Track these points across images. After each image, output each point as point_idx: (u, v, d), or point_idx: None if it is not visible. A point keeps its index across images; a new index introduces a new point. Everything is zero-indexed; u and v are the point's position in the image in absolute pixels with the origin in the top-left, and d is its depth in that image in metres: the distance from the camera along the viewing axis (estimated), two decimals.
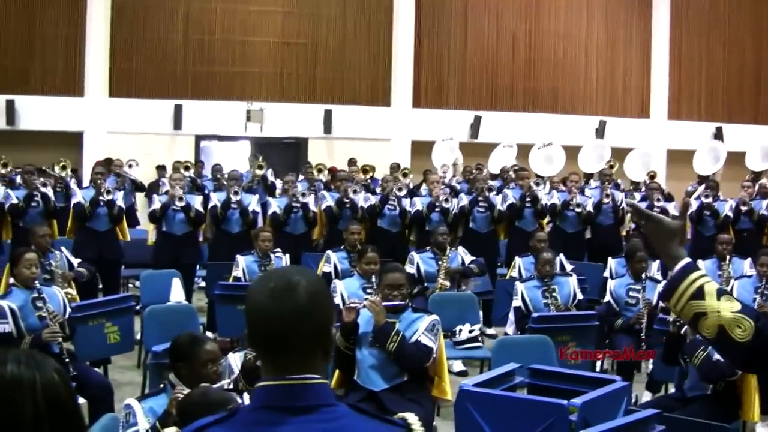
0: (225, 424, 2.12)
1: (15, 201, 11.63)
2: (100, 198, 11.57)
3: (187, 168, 14.86)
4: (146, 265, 12.03)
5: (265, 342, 2.18)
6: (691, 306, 2.66)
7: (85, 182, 14.86)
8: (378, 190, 13.67)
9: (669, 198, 14.56)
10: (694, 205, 13.36)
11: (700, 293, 2.66)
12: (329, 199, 12.59)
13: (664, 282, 8.66)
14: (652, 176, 15.40)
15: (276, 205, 12.43)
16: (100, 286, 11.68)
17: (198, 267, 12.62)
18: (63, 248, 10.00)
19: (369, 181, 14.87)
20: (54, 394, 1.86)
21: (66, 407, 1.89)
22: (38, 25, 18.62)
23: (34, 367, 1.87)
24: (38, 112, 18.36)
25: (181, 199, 11.58)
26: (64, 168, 13.14)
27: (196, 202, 11.98)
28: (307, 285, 2.17)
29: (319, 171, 15.45)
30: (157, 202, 11.79)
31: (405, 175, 13.59)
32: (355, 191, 12.56)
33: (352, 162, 16.75)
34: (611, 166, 15.49)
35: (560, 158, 16.32)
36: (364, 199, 12.56)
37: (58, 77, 18.80)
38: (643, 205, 12.52)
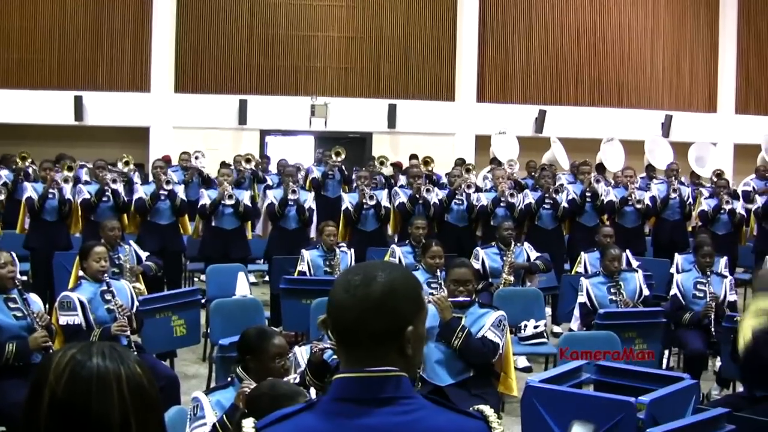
0: (305, 415, 2.13)
1: (87, 195, 11.72)
2: (161, 192, 11.75)
3: (248, 160, 14.75)
4: (195, 260, 12.15)
5: (338, 334, 2.18)
6: None
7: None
8: (444, 181, 13.62)
9: (735, 195, 14.20)
10: (759, 201, 13.11)
11: None
12: (402, 196, 12.54)
13: (730, 278, 8.51)
14: (719, 174, 14.78)
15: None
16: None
17: (262, 262, 12.68)
18: (132, 242, 10.12)
19: (431, 172, 14.75)
20: (138, 386, 1.90)
21: (149, 398, 1.93)
22: (105, 22, 18.87)
23: (117, 359, 1.90)
24: (105, 108, 18.63)
25: (231, 197, 11.61)
26: (127, 164, 13.29)
27: (245, 196, 12.04)
28: (386, 281, 2.13)
29: (381, 164, 15.33)
30: (206, 197, 11.83)
31: (468, 171, 13.49)
32: (428, 190, 12.48)
33: (413, 156, 16.56)
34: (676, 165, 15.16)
35: (620, 154, 16.24)
36: (435, 196, 12.49)
37: (124, 73, 19.04)
38: (711, 203, 12.43)
